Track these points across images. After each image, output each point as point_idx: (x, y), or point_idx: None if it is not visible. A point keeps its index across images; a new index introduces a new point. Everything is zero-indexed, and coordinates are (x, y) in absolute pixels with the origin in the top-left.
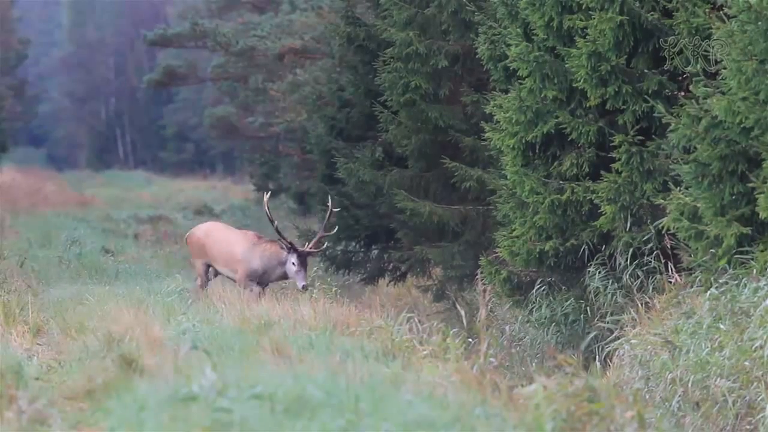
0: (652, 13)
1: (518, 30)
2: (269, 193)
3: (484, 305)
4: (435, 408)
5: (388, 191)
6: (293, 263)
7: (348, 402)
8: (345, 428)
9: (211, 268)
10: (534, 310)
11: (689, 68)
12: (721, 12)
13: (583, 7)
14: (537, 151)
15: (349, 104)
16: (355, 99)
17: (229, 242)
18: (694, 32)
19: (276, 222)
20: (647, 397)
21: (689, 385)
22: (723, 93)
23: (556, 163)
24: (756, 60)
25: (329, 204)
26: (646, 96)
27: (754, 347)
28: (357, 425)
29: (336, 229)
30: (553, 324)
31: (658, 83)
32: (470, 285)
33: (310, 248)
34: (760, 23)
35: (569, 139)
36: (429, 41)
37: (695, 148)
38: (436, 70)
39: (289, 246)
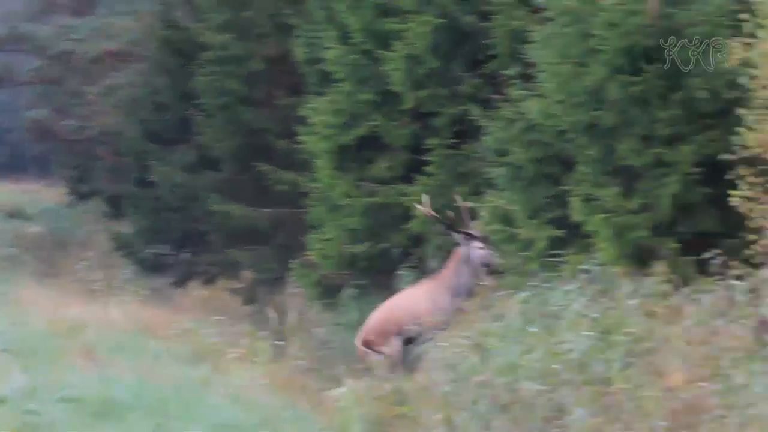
0: (470, 15)
1: (335, 33)
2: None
3: (293, 308)
4: (243, 410)
5: (202, 194)
6: (480, 247)
7: (157, 405)
8: (154, 431)
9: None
10: (344, 313)
11: (507, 71)
12: (540, 14)
13: (401, 10)
14: (351, 153)
15: (164, 107)
16: (170, 102)
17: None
18: (512, 35)
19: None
20: (456, 400)
21: (498, 387)
22: (539, 96)
23: (370, 166)
24: (573, 63)
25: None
26: (462, 99)
27: (563, 350)
28: (166, 428)
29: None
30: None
31: (474, 86)
32: (281, 288)
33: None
34: (578, 26)
35: (383, 142)
36: (245, 44)
37: (510, 150)
38: (251, 73)
39: (467, 234)
